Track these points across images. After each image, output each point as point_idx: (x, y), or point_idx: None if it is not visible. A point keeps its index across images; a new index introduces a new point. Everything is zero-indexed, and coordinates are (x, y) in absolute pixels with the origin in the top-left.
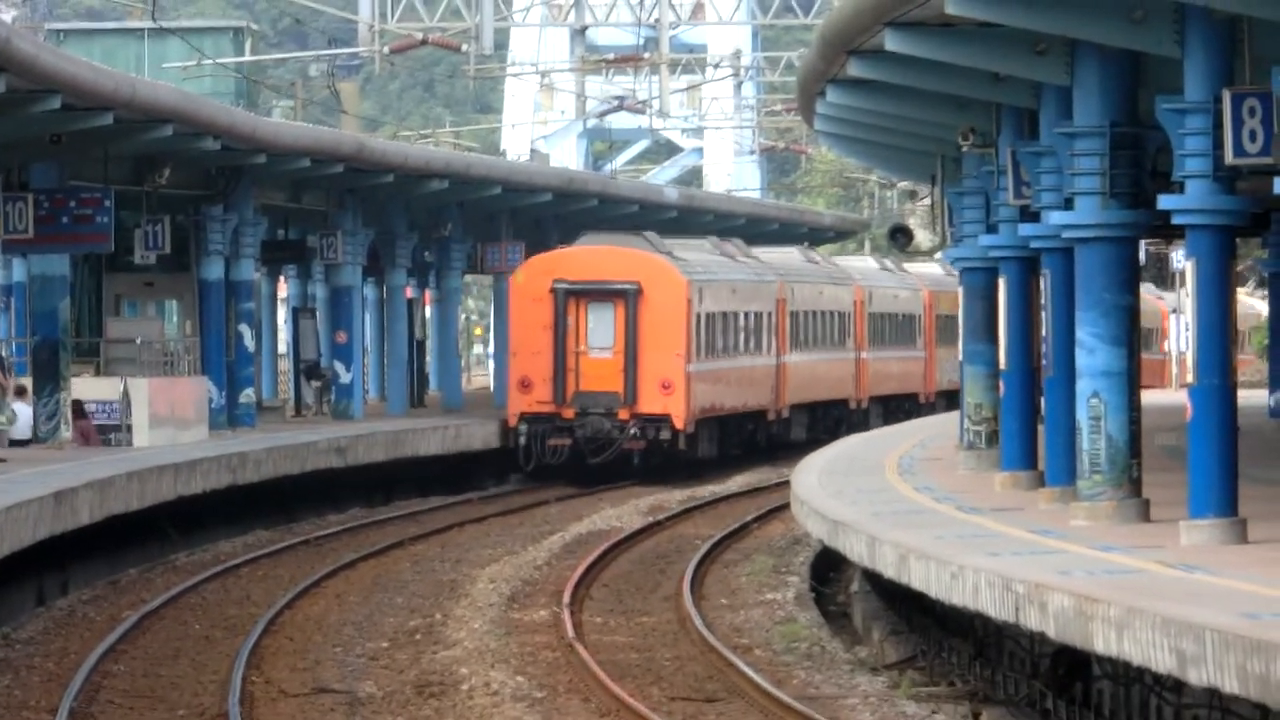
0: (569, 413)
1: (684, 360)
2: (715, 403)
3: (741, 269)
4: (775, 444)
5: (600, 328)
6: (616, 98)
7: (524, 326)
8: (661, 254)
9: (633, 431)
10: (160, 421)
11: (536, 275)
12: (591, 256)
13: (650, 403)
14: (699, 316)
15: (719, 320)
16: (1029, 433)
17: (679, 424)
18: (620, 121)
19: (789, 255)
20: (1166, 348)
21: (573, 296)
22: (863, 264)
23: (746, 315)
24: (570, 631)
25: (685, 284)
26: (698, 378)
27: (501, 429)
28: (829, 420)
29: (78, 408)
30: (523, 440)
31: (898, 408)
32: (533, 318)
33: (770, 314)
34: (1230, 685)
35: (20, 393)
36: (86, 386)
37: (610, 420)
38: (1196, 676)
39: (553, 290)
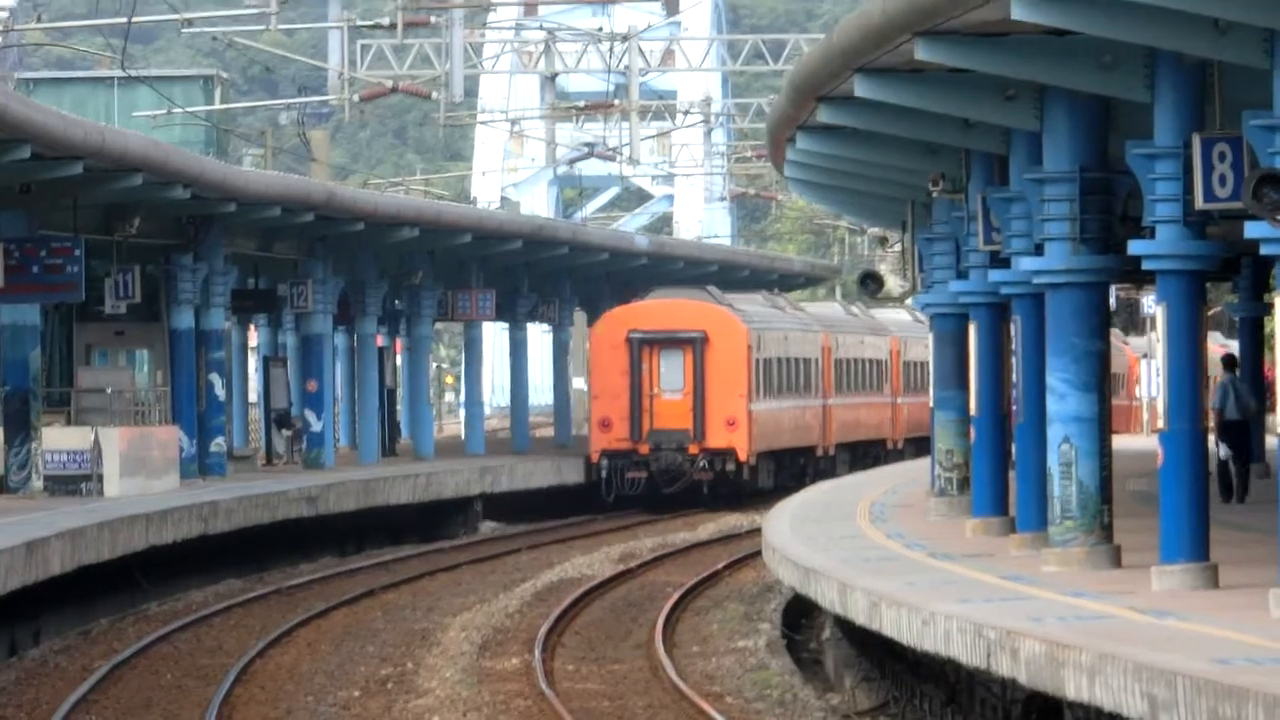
0: (645, 448)
1: (746, 399)
2: (773, 439)
3: (791, 319)
4: (823, 478)
5: (671, 372)
6: (586, 145)
7: (604, 372)
8: (723, 305)
9: (701, 464)
10: (131, 471)
11: (614, 326)
12: (662, 309)
13: (717, 438)
14: (758, 361)
15: (775, 365)
16: (1000, 479)
17: (743, 456)
18: (590, 168)
19: (832, 308)
20: (1137, 393)
21: (646, 345)
22: (897, 316)
23: (797, 361)
24: (542, 679)
25: (746, 332)
26: (758, 416)
27: (585, 465)
28: (869, 459)
29: None
30: (604, 474)
31: (929, 448)
32: (611, 364)
33: (817, 360)
34: None
35: None
36: (57, 436)
37: (681, 454)
38: None
39: (628, 339)
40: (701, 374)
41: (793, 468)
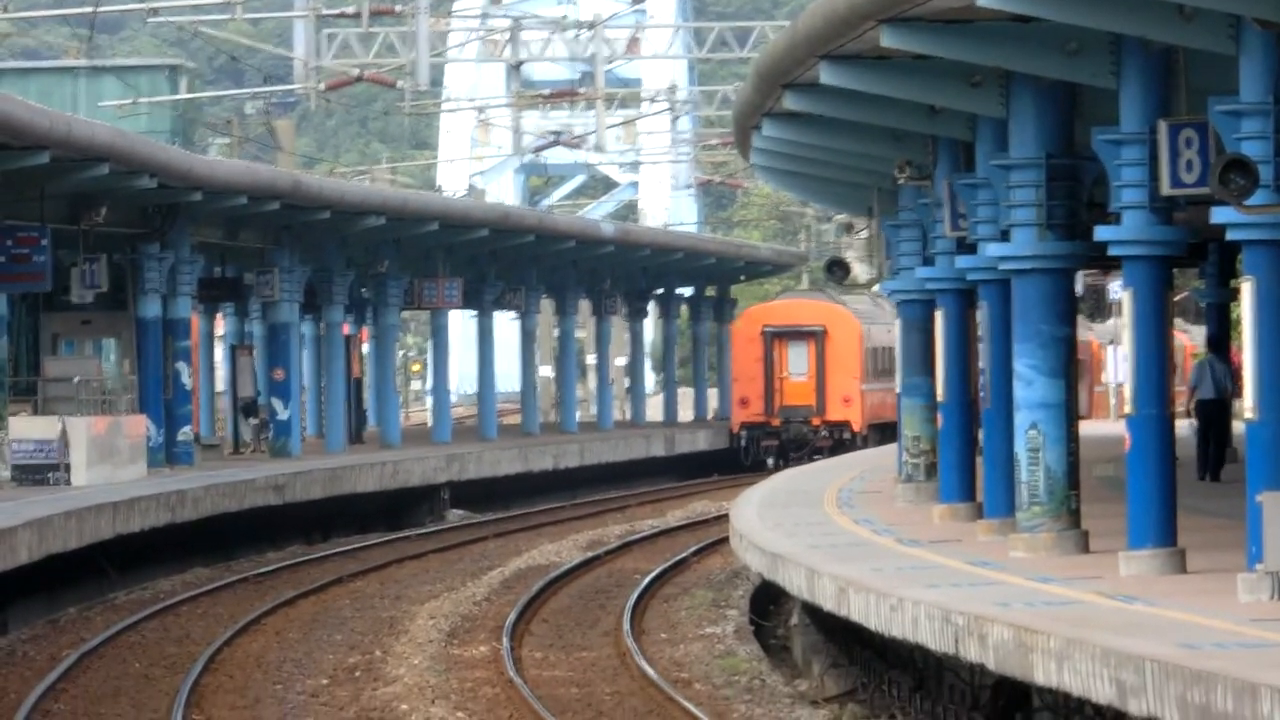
0: (776, 421)
1: (859, 381)
2: (879, 413)
3: (891, 315)
4: None
5: (798, 359)
6: (553, 133)
7: (742, 360)
8: (839, 304)
9: (823, 434)
10: (98, 460)
11: (750, 323)
12: (789, 308)
13: (835, 412)
14: (867, 350)
15: (880, 353)
16: (967, 465)
17: (856, 428)
18: (557, 156)
19: None
20: (1104, 379)
21: (777, 337)
22: None
23: (895, 350)
24: (510, 667)
25: (859, 325)
26: (868, 394)
27: (728, 435)
28: None
29: None
30: (744, 443)
31: None
32: (749, 354)
33: None
34: (1170, 716)
35: None
36: (24, 425)
37: (806, 426)
38: (1137, 707)
39: (763, 333)
40: (823, 360)
41: (893, 438)
